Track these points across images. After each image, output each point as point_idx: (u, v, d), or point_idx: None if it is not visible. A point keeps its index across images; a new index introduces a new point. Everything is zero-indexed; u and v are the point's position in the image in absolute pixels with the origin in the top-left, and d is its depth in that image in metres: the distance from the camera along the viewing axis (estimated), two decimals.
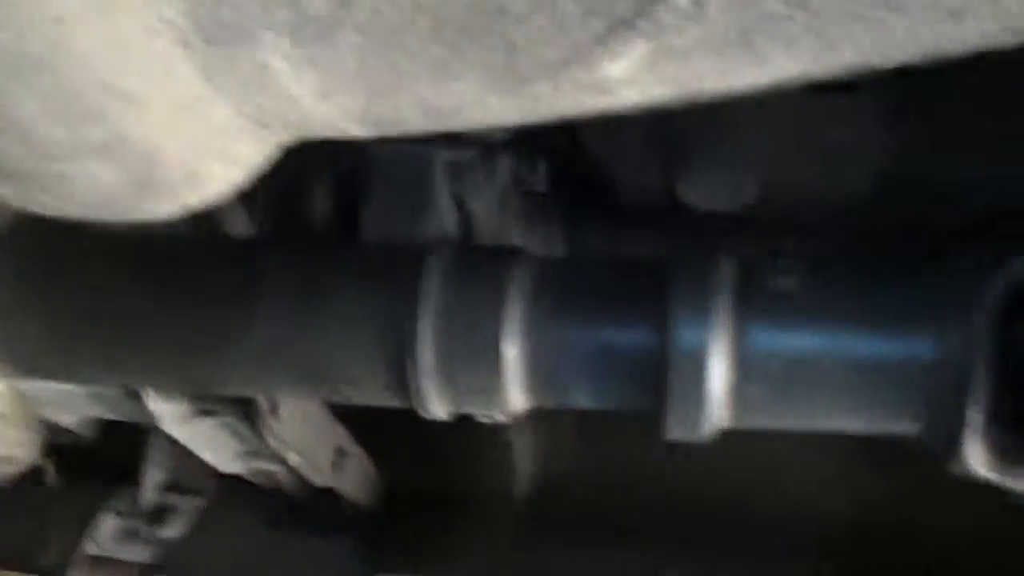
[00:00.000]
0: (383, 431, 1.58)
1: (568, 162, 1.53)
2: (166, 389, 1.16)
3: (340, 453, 1.44)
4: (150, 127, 0.58)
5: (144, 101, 0.56)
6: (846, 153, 1.30)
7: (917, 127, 1.25)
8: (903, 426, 0.85)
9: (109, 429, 1.66)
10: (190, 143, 0.61)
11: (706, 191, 1.35)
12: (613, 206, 1.50)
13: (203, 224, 1.06)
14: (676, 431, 0.87)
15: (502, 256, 0.93)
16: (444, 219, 1.24)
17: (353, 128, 0.73)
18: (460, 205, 1.29)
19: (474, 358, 0.88)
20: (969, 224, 1.20)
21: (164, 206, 0.66)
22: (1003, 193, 1.19)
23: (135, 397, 1.23)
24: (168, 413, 1.24)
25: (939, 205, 1.26)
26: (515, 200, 1.37)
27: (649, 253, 1.29)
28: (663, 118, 1.37)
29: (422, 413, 0.93)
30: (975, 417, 0.80)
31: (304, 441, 1.30)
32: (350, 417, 1.49)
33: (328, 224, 1.23)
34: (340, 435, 1.46)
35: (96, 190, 0.61)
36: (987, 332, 0.79)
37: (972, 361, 0.79)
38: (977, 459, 0.82)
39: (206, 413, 1.24)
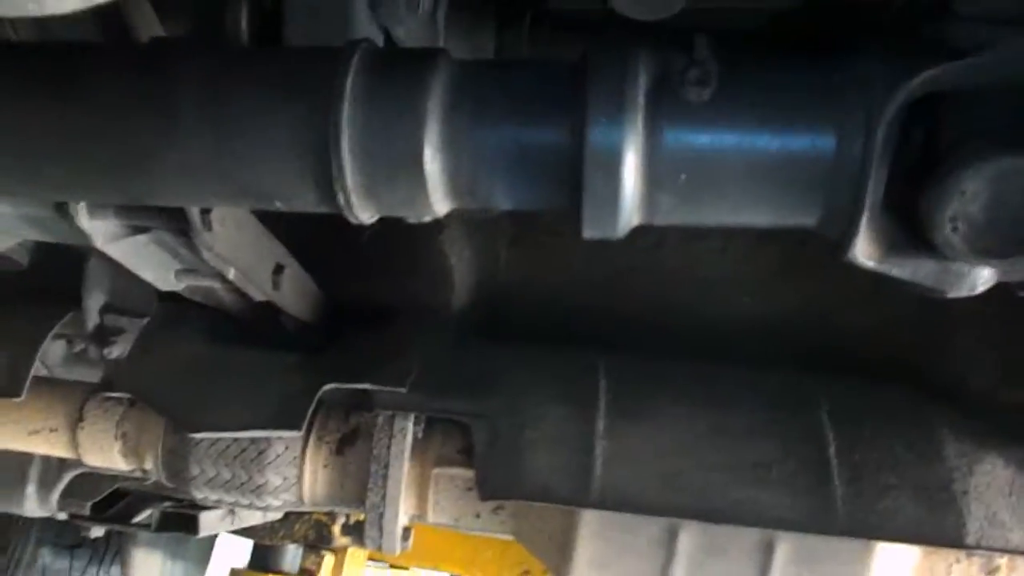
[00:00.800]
0: (322, 247, 1.60)
1: None
2: (89, 201, 1.14)
3: (278, 268, 1.45)
4: None
5: None
6: None
7: None
8: (804, 219, 0.90)
9: (52, 255, 1.66)
10: None
11: None
12: (544, 14, 1.48)
13: (114, 32, 1.03)
14: (593, 229, 0.91)
15: (422, 60, 0.92)
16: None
17: None
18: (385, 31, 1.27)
19: (396, 167, 0.89)
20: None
21: None
22: None
23: (66, 216, 1.22)
24: (100, 231, 1.23)
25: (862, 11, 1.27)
26: (444, 9, 1.35)
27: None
28: None
29: (349, 219, 0.96)
30: (868, 210, 0.85)
31: (241, 255, 1.31)
32: (289, 234, 1.51)
33: (248, 38, 1.20)
34: (277, 249, 1.47)
35: None
36: (885, 132, 0.83)
37: (869, 158, 0.84)
38: (864, 250, 0.88)
39: (138, 230, 1.24)
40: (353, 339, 1.63)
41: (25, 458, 1.94)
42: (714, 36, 1.45)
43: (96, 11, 0.89)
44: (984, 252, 0.87)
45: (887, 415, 1.49)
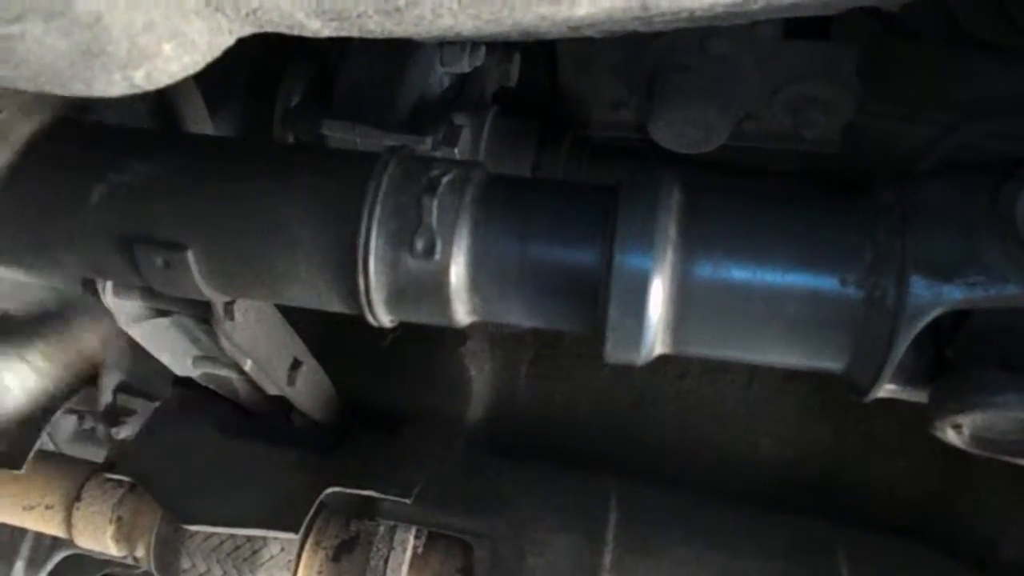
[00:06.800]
0: (341, 347, 1.60)
1: (544, 95, 1.53)
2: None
3: (295, 363, 1.44)
4: None
5: None
6: (819, 101, 1.31)
7: (885, 82, 1.26)
8: (831, 363, 0.88)
9: None
10: (139, 17, 0.61)
11: (677, 132, 1.36)
12: (585, 139, 1.51)
13: (161, 117, 1.06)
14: (615, 354, 0.89)
15: (455, 170, 0.92)
16: None
17: (311, 21, 0.72)
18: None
19: (421, 275, 0.89)
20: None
21: (113, 82, 0.66)
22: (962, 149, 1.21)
23: (91, 293, 1.23)
24: (124, 310, 1.24)
25: (901, 159, 1.28)
26: (488, 128, 1.38)
27: None
28: (639, 56, 1.37)
29: (370, 321, 0.95)
30: (896, 359, 0.83)
31: (259, 347, 1.30)
32: (312, 335, 1.50)
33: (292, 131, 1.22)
34: (296, 345, 1.46)
35: (43, 57, 0.61)
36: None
37: (901, 304, 0.82)
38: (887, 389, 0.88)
39: (161, 313, 1.24)
40: (362, 443, 1.60)
41: (18, 533, 1.90)
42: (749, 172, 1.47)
43: (146, 99, 0.91)
44: (985, 450, 0.92)
45: (909, 572, 1.42)
